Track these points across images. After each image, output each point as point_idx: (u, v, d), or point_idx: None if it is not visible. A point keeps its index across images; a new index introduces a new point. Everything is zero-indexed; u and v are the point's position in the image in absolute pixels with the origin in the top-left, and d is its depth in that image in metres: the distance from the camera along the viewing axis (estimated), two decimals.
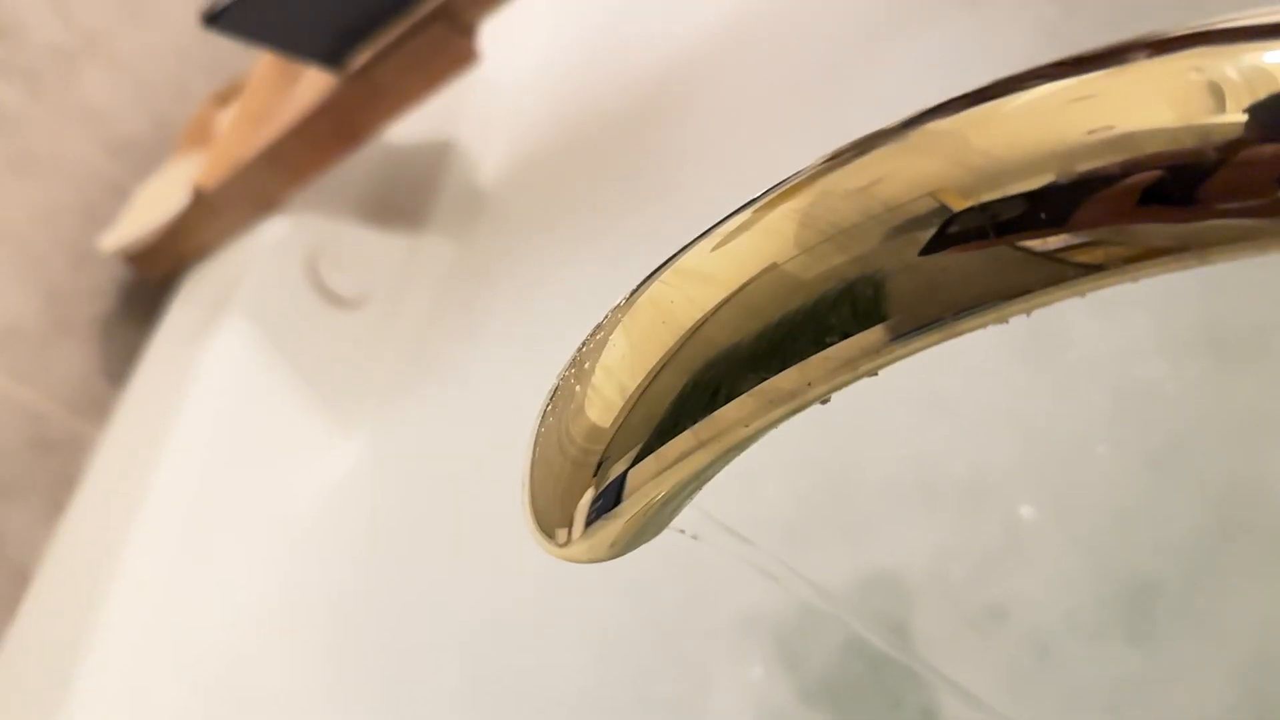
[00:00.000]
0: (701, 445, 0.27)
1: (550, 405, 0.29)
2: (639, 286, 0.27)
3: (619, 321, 0.27)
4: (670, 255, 0.27)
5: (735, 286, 0.26)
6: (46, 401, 1.07)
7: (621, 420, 0.27)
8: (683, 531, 0.30)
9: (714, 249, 0.27)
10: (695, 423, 0.26)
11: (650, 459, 0.27)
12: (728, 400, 0.26)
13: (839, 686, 0.59)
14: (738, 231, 0.26)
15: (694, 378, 0.26)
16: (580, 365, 0.28)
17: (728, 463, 0.27)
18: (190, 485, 0.89)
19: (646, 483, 0.27)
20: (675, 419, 0.27)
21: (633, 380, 0.27)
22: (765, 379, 0.26)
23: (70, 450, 1.07)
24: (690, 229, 0.27)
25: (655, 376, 0.26)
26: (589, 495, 0.28)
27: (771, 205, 0.26)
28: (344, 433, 1.04)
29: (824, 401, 0.27)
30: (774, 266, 0.26)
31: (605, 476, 0.28)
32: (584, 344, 0.28)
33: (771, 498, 0.69)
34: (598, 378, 0.27)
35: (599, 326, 0.28)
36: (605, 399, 0.27)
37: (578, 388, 0.27)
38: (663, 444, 0.27)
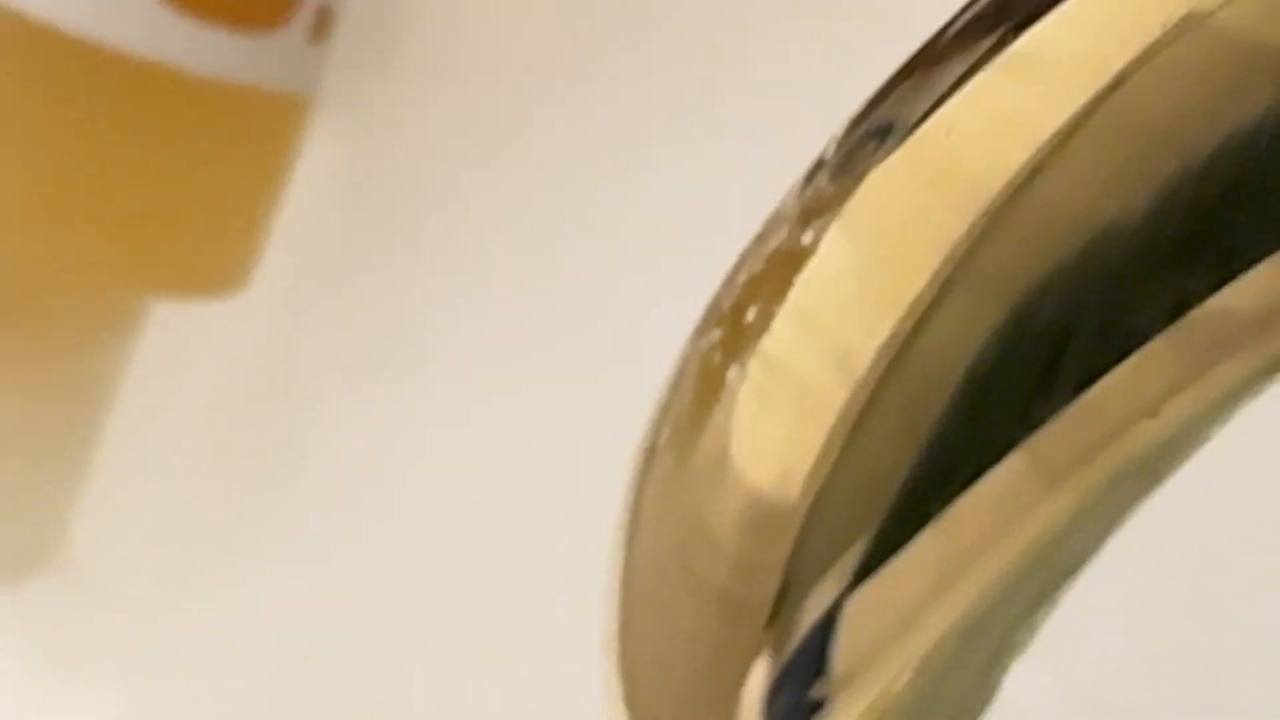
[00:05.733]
0: (1053, 485, 0.11)
1: (660, 448, 0.13)
2: (857, 121, 0.12)
3: (829, 209, 0.11)
4: (929, 40, 0.11)
5: (1106, 79, 0.10)
6: None
7: (845, 440, 0.11)
8: None
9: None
10: (1035, 426, 0.11)
11: (927, 539, 0.11)
12: (1116, 356, 0.10)
13: None
14: None
15: (1024, 311, 0.11)
16: (733, 325, 0.12)
17: (1108, 532, 0.11)
18: None
19: (908, 613, 0.11)
20: (981, 422, 0.11)
21: (872, 334, 0.11)
22: (1194, 294, 0.10)
23: None
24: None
25: (925, 317, 0.11)
26: (762, 673, 0.12)
27: None
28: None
29: None
30: (1191, 22, 0.10)
31: (795, 620, 0.12)
32: (734, 274, 0.12)
33: None
34: (785, 348, 0.11)
35: (763, 233, 0.12)
36: (808, 397, 0.11)
37: (732, 376, 0.12)
38: (952, 489, 0.11)
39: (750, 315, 0.11)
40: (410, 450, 0.35)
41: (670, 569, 0.13)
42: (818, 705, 0.12)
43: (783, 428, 0.11)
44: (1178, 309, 0.10)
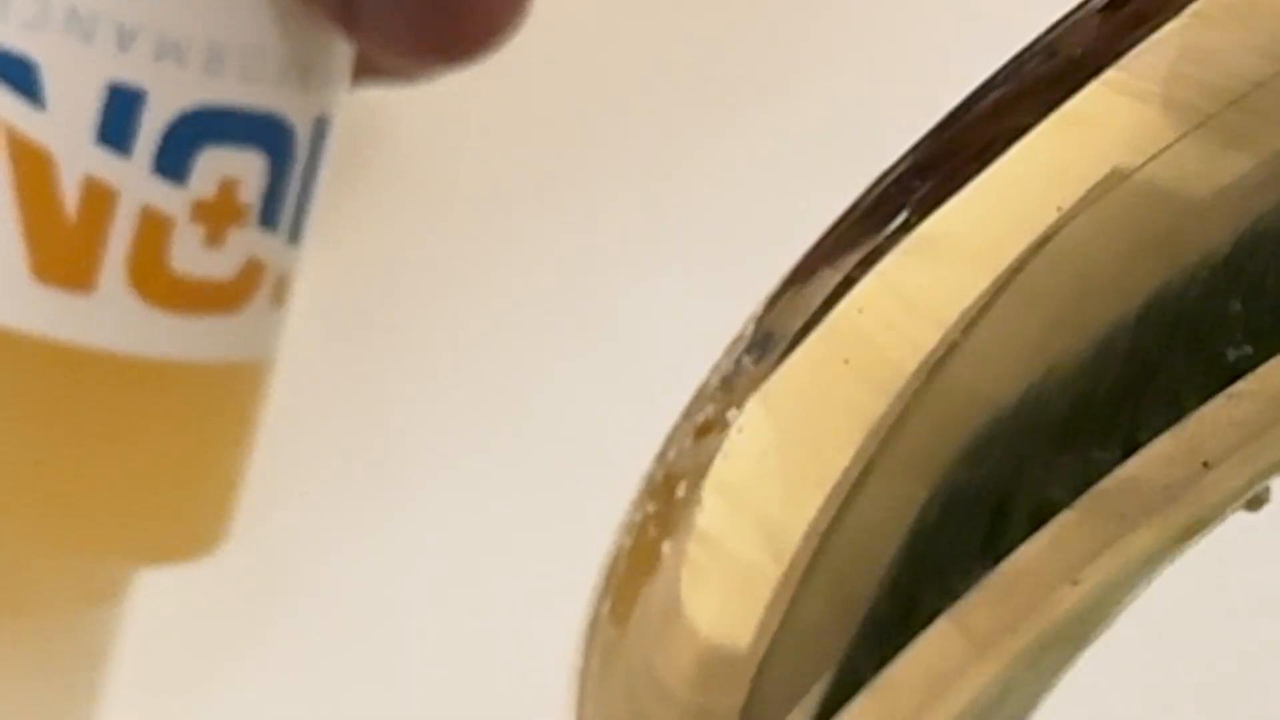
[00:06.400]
0: (980, 652, 0.11)
1: (602, 618, 0.13)
2: (773, 300, 0.12)
3: (750, 387, 0.12)
4: (838, 218, 0.12)
5: (1010, 259, 0.11)
6: None
7: (781, 615, 0.12)
8: None
9: (945, 191, 0.11)
10: (959, 595, 0.11)
11: (863, 704, 0.11)
12: (1032, 527, 0.11)
13: None
14: (996, 133, 0.11)
15: (943, 487, 0.11)
16: (665, 499, 0.12)
17: (1039, 695, 0.12)
18: None
19: None
20: (908, 593, 0.11)
21: (799, 511, 0.11)
22: (1100, 466, 0.11)
23: None
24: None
25: (850, 495, 0.11)
26: None
27: (1076, 40, 0.11)
28: None
29: (1253, 505, 0.11)
30: (1116, 179, 0.11)
31: None
32: (665, 449, 0.12)
33: None
34: (715, 523, 0.12)
35: (690, 410, 0.12)
36: (741, 573, 0.12)
37: (666, 550, 0.12)
38: (883, 663, 0.11)
39: (681, 490, 0.12)
40: (390, 574, 0.36)
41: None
42: None
43: (718, 601, 0.12)
44: (1090, 479, 0.11)
